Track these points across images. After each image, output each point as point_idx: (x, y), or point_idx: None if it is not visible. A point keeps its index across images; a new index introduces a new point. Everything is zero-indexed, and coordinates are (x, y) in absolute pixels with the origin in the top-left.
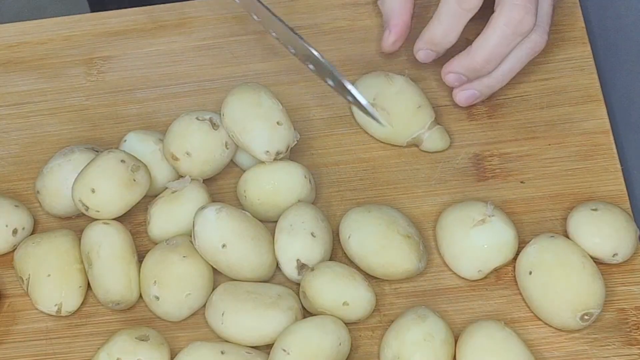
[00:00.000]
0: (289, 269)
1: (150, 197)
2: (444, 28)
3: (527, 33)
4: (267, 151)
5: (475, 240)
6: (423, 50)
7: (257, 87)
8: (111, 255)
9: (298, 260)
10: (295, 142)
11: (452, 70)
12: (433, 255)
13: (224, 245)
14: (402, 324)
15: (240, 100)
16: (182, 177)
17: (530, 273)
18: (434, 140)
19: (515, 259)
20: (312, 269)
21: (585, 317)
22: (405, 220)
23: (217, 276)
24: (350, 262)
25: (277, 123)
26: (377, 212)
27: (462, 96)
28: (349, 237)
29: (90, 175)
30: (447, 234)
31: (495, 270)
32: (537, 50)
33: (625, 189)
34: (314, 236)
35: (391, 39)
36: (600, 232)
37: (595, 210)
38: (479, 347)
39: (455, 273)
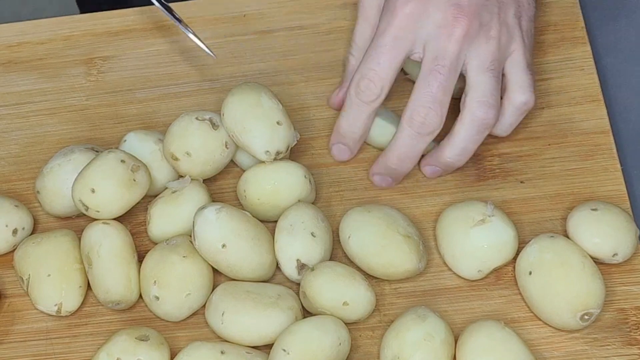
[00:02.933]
0: (289, 269)
1: (150, 197)
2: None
3: (490, 127)
4: (267, 151)
5: (475, 240)
6: (335, 145)
7: (257, 87)
8: (111, 255)
9: (298, 260)
10: (296, 142)
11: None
12: (433, 255)
13: (223, 245)
14: (402, 324)
15: (240, 100)
16: (182, 177)
17: (530, 273)
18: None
19: (515, 258)
20: (312, 269)
21: (585, 317)
22: (405, 220)
23: (217, 276)
24: (350, 262)
25: (277, 123)
26: (377, 212)
27: (427, 171)
28: (349, 237)
29: (91, 175)
30: (447, 234)
31: (495, 270)
32: (480, 124)
33: (625, 189)
34: (314, 236)
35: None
36: (600, 232)
37: (595, 210)
38: (479, 347)
39: (455, 273)
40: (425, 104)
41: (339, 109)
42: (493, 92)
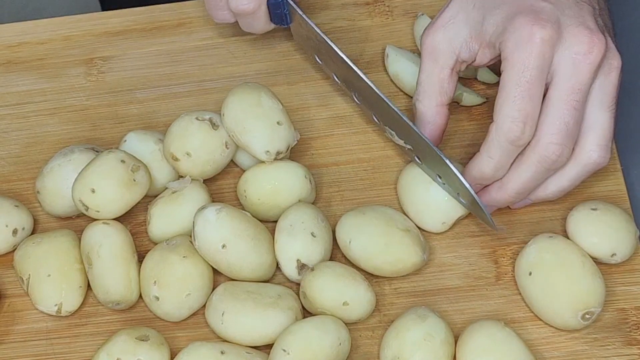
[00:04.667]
0: (289, 269)
1: (150, 197)
2: (494, 163)
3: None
4: (268, 151)
5: (435, 195)
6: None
7: (257, 87)
8: (111, 255)
9: (298, 260)
10: (296, 142)
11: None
12: (433, 255)
13: (223, 246)
14: (402, 324)
15: (240, 100)
16: (182, 177)
17: (530, 274)
18: (472, 95)
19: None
20: (312, 269)
21: (587, 316)
22: (400, 215)
23: (217, 276)
24: (350, 262)
25: (277, 123)
26: (371, 212)
27: (517, 205)
28: (349, 242)
29: (91, 175)
30: (408, 192)
31: (459, 220)
32: (594, 168)
33: (625, 189)
34: (314, 236)
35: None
36: (599, 231)
37: (594, 210)
38: (479, 347)
39: (422, 228)
40: (562, 141)
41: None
42: (611, 135)
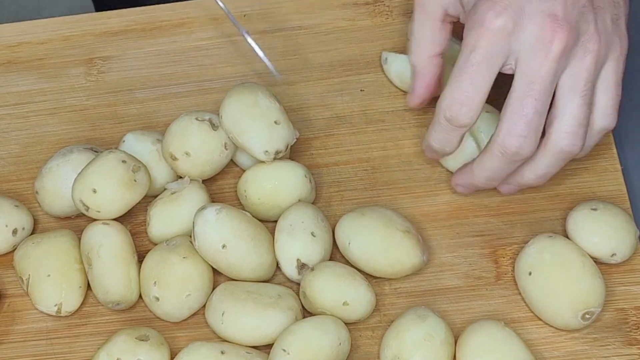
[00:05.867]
0: (290, 269)
1: (149, 197)
2: (437, 138)
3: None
4: (266, 151)
5: None
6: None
7: (253, 87)
8: (111, 256)
9: (298, 260)
10: (295, 141)
11: (459, 183)
12: (433, 255)
13: (223, 246)
14: (402, 324)
15: (237, 101)
16: (181, 177)
17: (530, 274)
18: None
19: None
20: (313, 269)
21: (587, 315)
22: (399, 217)
23: (217, 276)
24: (349, 263)
25: (275, 122)
26: (371, 213)
27: (504, 189)
28: (349, 243)
29: (91, 176)
30: None
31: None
32: (567, 156)
33: (625, 189)
34: (314, 236)
35: (415, 102)
36: (599, 231)
37: (595, 210)
38: (479, 347)
39: None
40: (521, 132)
41: (418, 107)
42: (582, 121)
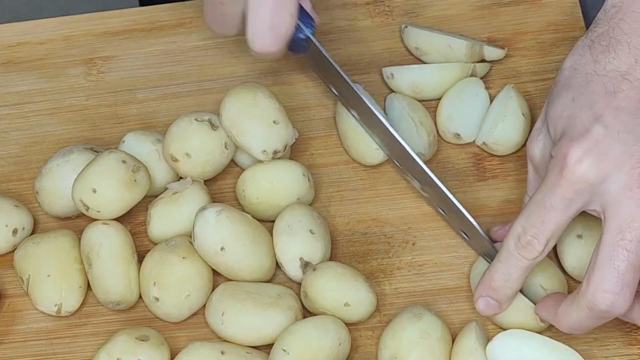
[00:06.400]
0: (293, 269)
1: (149, 197)
2: (502, 269)
3: None
4: (265, 150)
5: None
6: (483, 298)
7: (252, 87)
8: (111, 256)
9: (301, 258)
10: (294, 140)
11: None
12: (433, 255)
13: (222, 248)
14: (398, 323)
15: (236, 101)
16: (182, 178)
17: None
18: (492, 49)
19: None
20: (315, 269)
21: None
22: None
23: (217, 277)
24: (350, 262)
25: (274, 122)
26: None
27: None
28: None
29: (92, 176)
30: None
31: None
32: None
33: None
34: (313, 233)
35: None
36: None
37: (580, 237)
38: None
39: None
40: (613, 289)
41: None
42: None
